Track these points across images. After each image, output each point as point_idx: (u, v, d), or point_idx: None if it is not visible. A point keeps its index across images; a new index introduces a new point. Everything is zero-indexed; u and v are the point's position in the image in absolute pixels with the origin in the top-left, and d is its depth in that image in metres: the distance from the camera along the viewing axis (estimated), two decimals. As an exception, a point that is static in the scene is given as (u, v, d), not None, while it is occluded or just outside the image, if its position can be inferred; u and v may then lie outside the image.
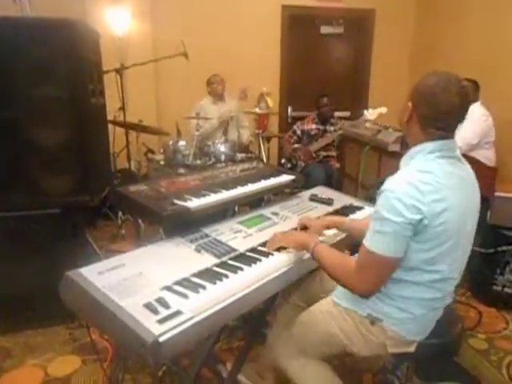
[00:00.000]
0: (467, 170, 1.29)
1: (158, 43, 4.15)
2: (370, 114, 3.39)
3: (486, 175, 2.85)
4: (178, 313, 1.07)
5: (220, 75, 4.03)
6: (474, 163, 2.93)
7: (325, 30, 4.88)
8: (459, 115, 1.19)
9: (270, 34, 4.64)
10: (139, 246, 1.45)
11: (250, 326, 2.00)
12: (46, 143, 2.11)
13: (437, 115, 1.18)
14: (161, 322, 1.03)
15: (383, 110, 3.35)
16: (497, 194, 2.53)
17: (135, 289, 1.15)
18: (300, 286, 1.68)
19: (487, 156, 3.05)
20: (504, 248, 2.47)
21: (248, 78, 4.52)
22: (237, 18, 4.45)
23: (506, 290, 2.54)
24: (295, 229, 1.65)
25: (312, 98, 4.25)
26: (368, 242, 1.19)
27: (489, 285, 2.57)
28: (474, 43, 3.80)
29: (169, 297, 1.13)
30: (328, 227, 1.65)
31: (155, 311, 1.06)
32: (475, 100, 3.14)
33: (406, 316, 1.25)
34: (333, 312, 1.36)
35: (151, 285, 1.18)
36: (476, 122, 2.99)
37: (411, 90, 1.24)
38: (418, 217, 1.12)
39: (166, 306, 1.09)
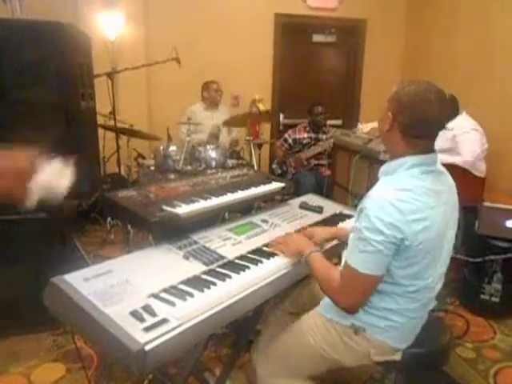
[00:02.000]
0: (448, 183, 1.30)
1: (151, 48, 4.15)
2: (363, 127, 3.41)
3: (473, 185, 2.89)
4: (164, 321, 1.05)
5: (218, 83, 4.00)
6: (463, 173, 2.97)
7: (317, 38, 4.93)
8: (439, 123, 1.21)
9: (263, 41, 4.67)
10: (129, 251, 1.43)
11: (238, 334, 1.99)
12: (33, 146, 2.08)
13: (416, 123, 1.19)
14: (147, 330, 1.01)
15: (376, 124, 3.36)
16: (484, 204, 2.56)
17: (121, 296, 1.13)
18: (291, 293, 1.68)
19: (478, 168, 3.04)
20: (491, 257, 2.49)
21: (240, 85, 4.53)
22: (230, 24, 4.47)
23: (493, 299, 2.55)
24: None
25: (304, 105, 4.27)
26: (350, 260, 1.20)
27: (476, 294, 2.59)
28: (464, 53, 3.86)
29: (155, 304, 1.12)
30: (331, 239, 1.65)
31: (141, 319, 1.05)
32: (457, 113, 3.15)
33: (388, 324, 1.26)
34: (317, 324, 1.35)
35: (138, 292, 1.16)
36: (470, 132, 3.01)
37: (389, 98, 1.24)
38: (400, 236, 1.13)
39: (152, 313, 1.07)
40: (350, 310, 1.27)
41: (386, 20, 4.85)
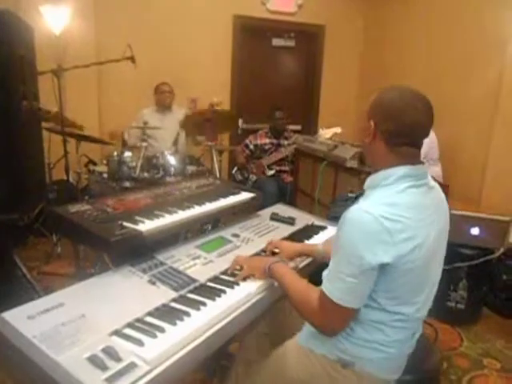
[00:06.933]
0: (438, 198, 1.19)
1: (102, 46, 3.85)
2: (324, 132, 3.37)
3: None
4: (131, 366, 0.88)
5: (170, 84, 3.82)
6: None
7: (276, 42, 4.86)
8: (425, 129, 1.11)
9: (221, 42, 4.52)
10: (78, 268, 1.22)
11: (209, 358, 1.81)
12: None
13: (401, 129, 1.09)
14: (110, 380, 0.84)
15: (338, 129, 3.35)
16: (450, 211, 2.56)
17: (76, 337, 0.93)
18: (268, 313, 1.53)
19: (435, 172, 3.10)
20: (458, 264, 2.50)
21: (198, 87, 4.35)
22: (187, 24, 4.28)
23: (459, 306, 2.56)
24: (261, 252, 1.52)
25: (263, 110, 4.18)
26: (328, 290, 1.06)
27: (443, 301, 2.58)
28: (419, 62, 3.94)
29: (119, 345, 0.93)
30: (300, 255, 1.52)
31: (102, 366, 0.86)
32: None
33: (380, 356, 1.14)
34: (299, 356, 1.21)
35: (97, 330, 0.97)
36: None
37: (369, 107, 1.14)
38: (386, 260, 1.00)
39: (115, 357, 0.89)
40: (328, 335, 1.15)
41: (345, 26, 4.88)
